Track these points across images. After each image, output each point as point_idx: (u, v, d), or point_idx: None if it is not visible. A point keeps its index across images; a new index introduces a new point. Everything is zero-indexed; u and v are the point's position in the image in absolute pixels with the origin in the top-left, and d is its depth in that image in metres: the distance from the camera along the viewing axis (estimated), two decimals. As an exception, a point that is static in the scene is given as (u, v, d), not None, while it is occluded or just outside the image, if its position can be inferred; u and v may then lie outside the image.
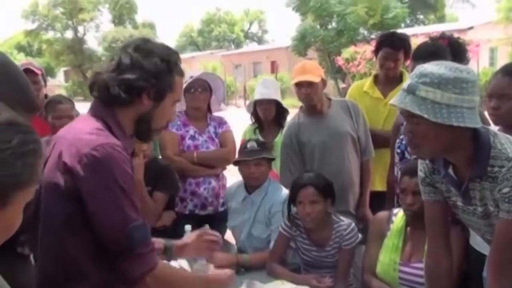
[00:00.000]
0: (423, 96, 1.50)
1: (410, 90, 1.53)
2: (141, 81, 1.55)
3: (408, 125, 1.59)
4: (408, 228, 2.45)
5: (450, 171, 1.67)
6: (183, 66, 1.71)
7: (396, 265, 2.40)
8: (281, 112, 3.54)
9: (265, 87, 3.48)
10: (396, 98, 1.57)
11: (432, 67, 1.53)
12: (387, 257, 2.44)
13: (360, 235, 2.64)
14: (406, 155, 2.78)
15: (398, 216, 2.51)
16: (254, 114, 3.60)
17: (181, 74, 1.67)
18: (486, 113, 2.32)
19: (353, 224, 2.67)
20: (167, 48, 1.64)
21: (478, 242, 2.28)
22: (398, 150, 2.85)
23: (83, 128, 1.54)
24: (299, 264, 2.79)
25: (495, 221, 1.61)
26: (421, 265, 2.32)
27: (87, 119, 1.60)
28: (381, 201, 3.09)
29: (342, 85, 20.79)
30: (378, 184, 3.30)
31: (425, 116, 1.50)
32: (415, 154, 1.79)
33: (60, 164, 1.49)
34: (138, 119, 1.59)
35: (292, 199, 2.65)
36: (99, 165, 1.44)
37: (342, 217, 2.68)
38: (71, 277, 1.50)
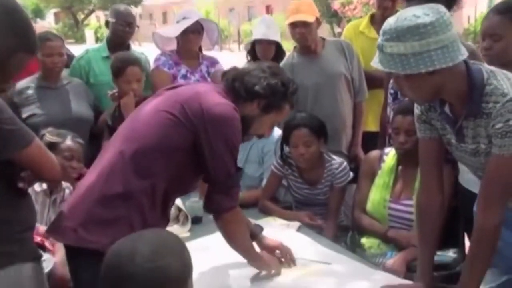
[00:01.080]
0: (389, 52, 1.52)
1: (380, 49, 1.56)
2: (261, 89, 1.81)
3: (393, 80, 1.60)
4: (399, 167, 2.48)
5: (446, 109, 1.67)
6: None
7: (386, 203, 2.45)
8: (279, 54, 3.49)
9: (266, 27, 3.39)
10: (374, 58, 1.60)
11: (389, 22, 1.54)
12: (378, 194, 2.48)
13: (351, 174, 2.68)
14: (399, 95, 2.77)
15: (390, 155, 2.53)
16: (251, 53, 3.55)
17: (292, 106, 1.95)
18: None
19: (345, 163, 2.69)
20: (291, 79, 1.93)
21: (466, 180, 2.31)
22: (391, 91, 2.84)
23: (205, 88, 1.83)
24: (291, 202, 2.83)
25: (483, 159, 1.63)
26: (410, 202, 2.37)
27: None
28: (373, 141, 3.11)
29: (337, 30, 20.49)
30: (371, 124, 3.31)
31: (394, 71, 1.54)
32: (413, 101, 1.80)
33: (177, 105, 1.73)
34: (242, 118, 1.77)
35: (284, 139, 2.66)
36: (220, 120, 1.70)
37: (334, 156, 2.70)
38: (139, 190, 1.70)
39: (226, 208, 1.81)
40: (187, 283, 1.19)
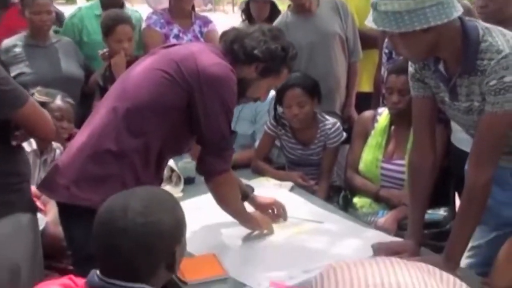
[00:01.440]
0: (384, 10, 1.50)
1: (374, 7, 1.53)
2: (260, 53, 1.77)
3: (388, 38, 1.57)
4: (392, 127, 2.48)
5: (441, 67, 1.65)
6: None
7: (378, 162, 2.46)
8: (274, 13, 3.42)
9: None
10: (368, 16, 1.58)
11: None
12: (370, 154, 2.49)
13: (344, 134, 2.67)
14: (394, 55, 2.75)
15: (383, 115, 2.53)
16: (246, 12, 3.48)
17: (290, 70, 1.91)
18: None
19: (338, 123, 2.69)
20: (291, 44, 1.88)
21: (459, 139, 2.32)
22: (386, 50, 2.81)
23: (200, 47, 1.80)
24: (284, 163, 2.83)
25: (476, 117, 1.63)
26: (403, 162, 2.38)
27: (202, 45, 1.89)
28: (367, 102, 3.09)
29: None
30: (365, 85, 3.30)
31: (388, 30, 1.52)
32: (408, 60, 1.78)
33: (173, 64, 1.70)
34: (239, 81, 1.75)
35: (278, 100, 2.64)
36: (216, 80, 1.68)
37: (327, 117, 2.70)
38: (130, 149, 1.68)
39: (218, 171, 1.79)
40: (180, 240, 1.20)
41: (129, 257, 1.11)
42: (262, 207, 2.08)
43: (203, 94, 1.68)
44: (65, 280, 1.15)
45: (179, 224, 1.20)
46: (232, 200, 1.90)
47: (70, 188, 1.65)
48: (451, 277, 0.85)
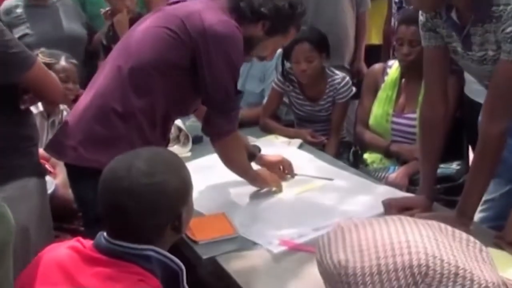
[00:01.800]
0: None
1: None
2: (267, 11, 1.71)
3: None
4: (403, 80, 2.41)
5: (453, 15, 1.58)
6: None
7: (389, 117, 2.41)
8: None
9: None
10: None
11: None
12: (381, 108, 2.44)
13: (354, 89, 2.62)
14: (404, 4, 2.66)
15: (393, 68, 2.46)
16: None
17: (298, 29, 1.84)
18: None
19: (348, 78, 2.63)
20: (299, 1, 1.79)
21: (473, 91, 2.25)
22: (396, 0, 2.72)
23: (206, 5, 1.72)
24: (292, 120, 2.79)
25: (491, 67, 1.57)
26: (414, 116, 2.33)
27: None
28: (376, 55, 3.03)
29: None
30: (375, 37, 3.22)
31: None
32: (418, 9, 1.70)
33: (177, 21, 1.65)
34: (245, 39, 1.69)
35: (285, 55, 2.57)
36: (222, 38, 1.63)
37: (336, 71, 2.63)
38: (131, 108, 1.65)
39: (224, 131, 1.76)
40: (187, 201, 1.18)
41: (134, 218, 1.09)
42: (269, 165, 2.06)
43: (208, 52, 1.64)
44: (73, 242, 1.15)
45: (185, 185, 1.17)
46: (239, 160, 1.88)
47: (78, 150, 1.64)
48: (464, 234, 0.82)
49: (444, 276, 0.72)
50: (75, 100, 2.37)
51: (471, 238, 0.82)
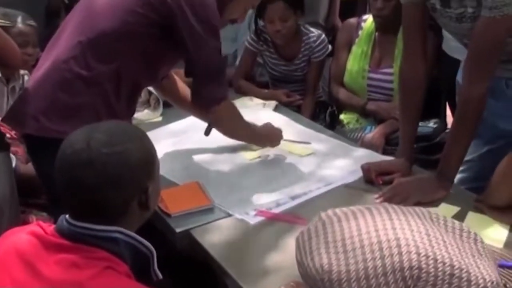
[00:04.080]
0: None
1: None
2: None
3: None
4: (377, 34, 2.34)
5: (431, -31, 1.50)
6: None
7: (365, 73, 2.36)
8: None
9: None
10: None
11: None
12: (356, 64, 2.38)
13: (330, 47, 2.54)
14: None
15: (368, 22, 2.39)
16: None
17: None
18: None
19: (323, 35, 2.54)
20: None
21: (451, 47, 2.20)
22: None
23: None
24: (267, 81, 2.71)
25: (470, 25, 1.51)
26: (390, 70, 2.29)
27: None
28: (352, 9, 2.94)
29: None
30: (349, -8, 3.11)
31: None
32: None
33: None
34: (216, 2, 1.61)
35: (258, 13, 2.47)
36: (199, 2, 1.54)
37: (311, 29, 2.54)
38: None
39: (218, 98, 1.67)
40: (153, 175, 1.10)
41: (95, 192, 1.01)
42: None
43: (187, 18, 1.53)
44: (34, 227, 1.07)
45: (149, 156, 1.09)
46: (241, 127, 1.80)
47: (39, 119, 1.52)
48: (457, 223, 0.76)
49: (439, 279, 0.66)
50: (35, 64, 2.24)
51: (465, 227, 0.76)
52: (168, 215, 1.54)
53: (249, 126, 1.85)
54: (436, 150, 2.13)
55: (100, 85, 1.55)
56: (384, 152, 2.06)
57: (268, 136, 1.89)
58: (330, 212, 0.77)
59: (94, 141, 1.02)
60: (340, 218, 0.73)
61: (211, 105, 1.69)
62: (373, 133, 2.21)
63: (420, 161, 2.01)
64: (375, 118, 2.35)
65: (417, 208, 0.78)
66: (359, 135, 2.29)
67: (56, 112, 1.53)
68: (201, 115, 1.91)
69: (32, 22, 2.33)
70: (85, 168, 1.01)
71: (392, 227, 0.69)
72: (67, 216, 1.04)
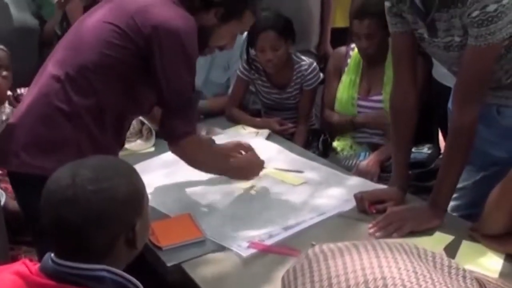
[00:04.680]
0: None
1: None
2: None
3: None
4: (364, 64, 2.36)
5: (417, 0, 1.51)
6: None
7: (354, 101, 2.36)
8: None
9: None
10: None
11: None
12: (345, 93, 2.39)
13: (321, 75, 2.55)
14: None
15: (355, 50, 2.40)
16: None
17: (255, 13, 1.72)
18: None
19: (315, 64, 2.56)
20: None
21: (441, 74, 2.22)
22: (361, -20, 2.64)
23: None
24: (259, 109, 2.71)
25: (458, 53, 1.52)
26: (380, 97, 2.30)
27: None
28: (342, 38, 2.95)
29: None
30: (339, 20, 3.16)
31: None
32: None
33: (127, 17, 1.53)
34: (199, 29, 1.60)
35: (250, 42, 2.48)
36: (176, 33, 1.52)
37: (303, 57, 2.56)
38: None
39: (182, 133, 1.63)
40: (141, 212, 1.08)
41: (80, 231, 0.99)
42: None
43: (162, 49, 1.52)
44: (19, 266, 1.04)
45: (137, 192, 1.08)
46: (206, 161, 1.77)
47: (20, 155, 1.50)
48: (445, 258, 0.74)
49: (426, 317, 0.65)
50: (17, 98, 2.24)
51: (453, 264, 0.74)
52: (159, 248, 1.52)
53: (221, 161, 1.83)
54: (431, 176, 2.12)
55: (81, 119, 1.54)
56: (380, 179, 2.06)
57: (247, 168, 1.87)
58: (317, 249, 0.76)
59: (80, 178, 1.01)
60: (326, 256, 0.72)
61: (173, 139, 1.66)
62: (367, 160, 2.20)
63: (415, 187, 2.01)
64: (369, 145, 2.34)
65: (405, 244, 0.76)
66: (354, 162, 2.28)
67: (37, 147, 1.51)
68: None
69: (2, 46, 2.33)
70: (70, 206, 0.99)
71: (378, 265, 0.68)
72: (52, 254, 1.02)
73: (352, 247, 0.74)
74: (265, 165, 1.96)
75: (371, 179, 1.99)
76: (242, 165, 1.90)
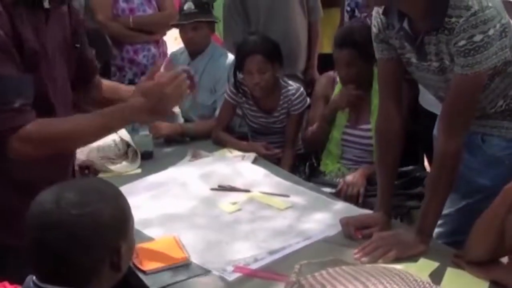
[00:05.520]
0: None
1: None
2: None
3: None
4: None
5: (405, 24, 1.54)
6: None
7: (341, 128, 2.37)
8: None
9: None
10: None
11: None
12: (337, 120, 2.39)
13: (308, 100, 2.57)
14: (356, 13, 2.64)
15: (341, 78, 2.42)
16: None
17: None
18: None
19: (302, 89, 2.58)
20: None
21: (427, 100, 2.24)
22: (348, 8, 2.71)
23: None
24: (246, 133, 2.72)
25: (451, 76, 1.54)
26: (368, 126, 2.30)
27: None
28: (329, 63, 2.98)
29: None
30: (327, 46, 3.17)
31: None
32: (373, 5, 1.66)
33: None
34: None
35: (237, 66, 2.50)
36: None
37: (290, 82, 2.58)
38: None
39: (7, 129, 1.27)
40: (126, 235, 1.07)
41: (64, 255, 0.98)
42: (151, 91, 1.36)
43: None
44: (0, 289, 1.02)
45: (122, 215, 1.07)
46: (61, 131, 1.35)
47: None
48: (434, 287, 0.74)
49: None
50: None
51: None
52: (143, 271, 1.50)
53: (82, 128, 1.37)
54: (416, 183, 2.14)
55: None
56: (367, 192, 2.07)
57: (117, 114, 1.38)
58: (306, 279, 0.76)
59: (64, 201, 0.99)
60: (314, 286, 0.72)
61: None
62: (353, 174, 2.21)
63: (404, 196, 2.02)
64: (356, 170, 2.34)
65: (397, 271, 0.77)
66: (340, 180, 2.27)
67: None
68: None
69: None
70: (53, 230, 0.98)
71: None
72: (34, 278, 1.00)
73: (339, 275, 0.75)
74: (251, 189, 1.96)
75: (358, 191, 2.00)
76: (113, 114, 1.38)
